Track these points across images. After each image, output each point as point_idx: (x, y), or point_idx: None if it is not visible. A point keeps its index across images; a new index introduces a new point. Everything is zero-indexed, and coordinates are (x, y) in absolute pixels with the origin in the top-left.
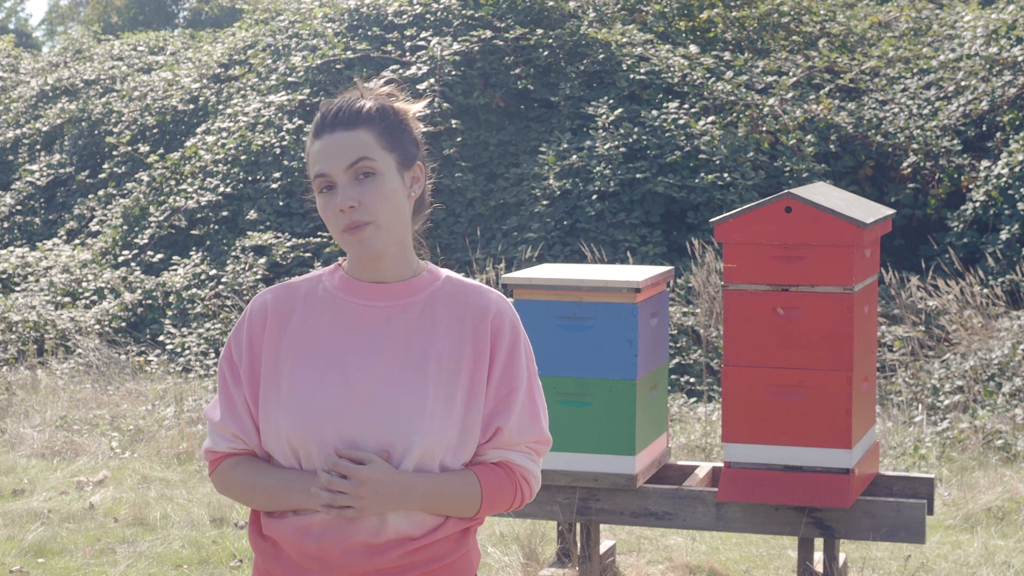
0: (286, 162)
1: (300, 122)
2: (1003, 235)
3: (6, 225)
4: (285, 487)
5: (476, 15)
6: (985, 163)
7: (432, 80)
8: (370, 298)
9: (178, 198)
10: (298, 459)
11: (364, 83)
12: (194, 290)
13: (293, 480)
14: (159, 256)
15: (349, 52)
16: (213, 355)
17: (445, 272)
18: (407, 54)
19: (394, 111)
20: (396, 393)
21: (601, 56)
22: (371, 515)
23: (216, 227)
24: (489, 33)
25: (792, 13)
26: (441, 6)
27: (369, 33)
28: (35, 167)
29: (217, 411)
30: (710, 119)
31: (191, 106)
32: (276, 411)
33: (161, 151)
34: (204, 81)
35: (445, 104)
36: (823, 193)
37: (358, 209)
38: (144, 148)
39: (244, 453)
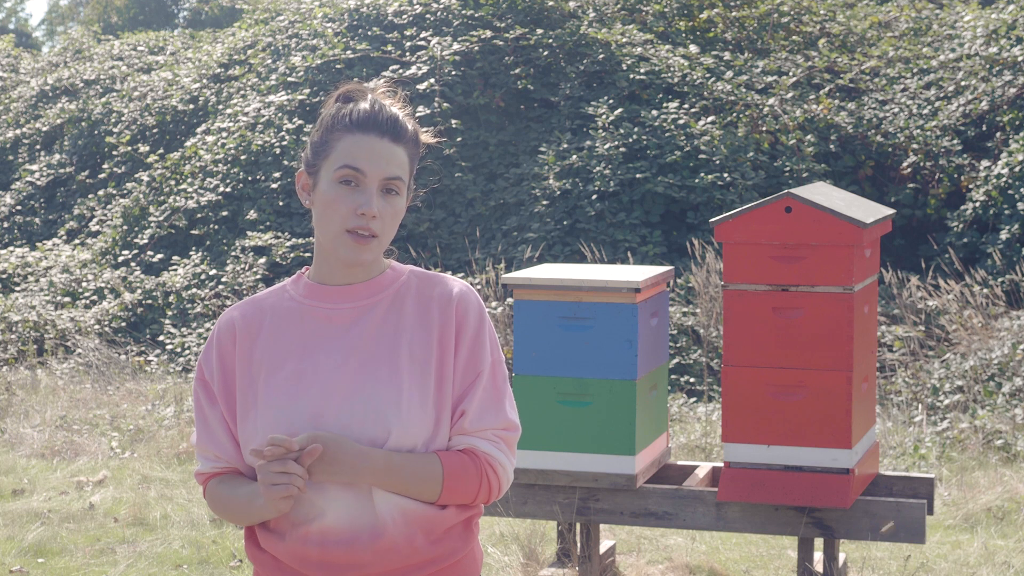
0: (286, 162)
1: (300, 122)
2: (1003, 235)
3: (6, 225)
4: (255, 497)
5: (476, 15)
6: (985, 163)
7: (432, 80)
8: (337, 300)
9: (178, 198)
10: None
11: (365, 83)
12: (194, 290)
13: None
14: (159, 256)
15: (349, 52)
16: None
17: (408, 267)
18: (407, 54)
19: (420, 140)
20: (372, 389)
21: (601, 56)
22: (330, 481)
23: (216, 227)
24: (489, 33)
25: (792, 13)
26: (441, 6)
27: (369, 33)
28: (35, 167)
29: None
30: (710, 119)
31: (191, 106)
32: (254, 425)
33: (161, 151)
34: (204, 81)
35: (445, 104)
36: (823, 193)
37: (377, 220)
38: (144, 148)
39: (227, 471)
